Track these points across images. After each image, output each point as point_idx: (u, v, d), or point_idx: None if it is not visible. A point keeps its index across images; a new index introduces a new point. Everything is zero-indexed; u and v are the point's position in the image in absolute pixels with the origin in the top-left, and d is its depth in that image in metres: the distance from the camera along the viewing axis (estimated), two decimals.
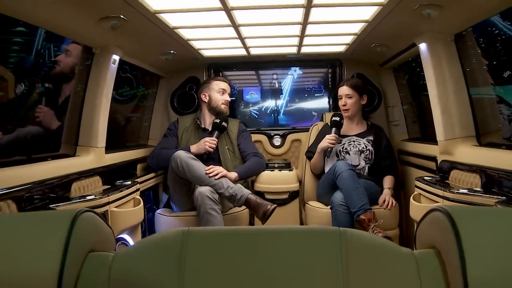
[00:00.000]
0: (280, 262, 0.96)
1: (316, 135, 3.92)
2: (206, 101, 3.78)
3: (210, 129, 3.71)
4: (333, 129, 3.62)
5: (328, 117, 3.98)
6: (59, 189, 2.45)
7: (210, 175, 3.25)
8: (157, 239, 1.02)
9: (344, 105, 3.72)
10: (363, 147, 3.64)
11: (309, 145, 3.92)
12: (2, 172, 2.10)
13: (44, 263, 0.87)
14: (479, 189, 2.38)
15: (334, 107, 4.38)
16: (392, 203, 3.38)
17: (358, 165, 3.60)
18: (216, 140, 3.59)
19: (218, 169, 3.30)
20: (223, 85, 3.79)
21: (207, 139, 3.54)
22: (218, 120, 3.66)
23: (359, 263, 0.95)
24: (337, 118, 3.63)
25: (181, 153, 3.28)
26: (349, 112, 3.72)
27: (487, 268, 0.84)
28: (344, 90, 3.73)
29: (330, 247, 0.97)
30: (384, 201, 3.37)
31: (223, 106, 3.75)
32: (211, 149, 3.51)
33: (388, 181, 3.58)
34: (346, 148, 3.66)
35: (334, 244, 0.97)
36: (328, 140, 3.55)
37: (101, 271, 0.95)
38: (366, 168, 3.62)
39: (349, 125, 3.73)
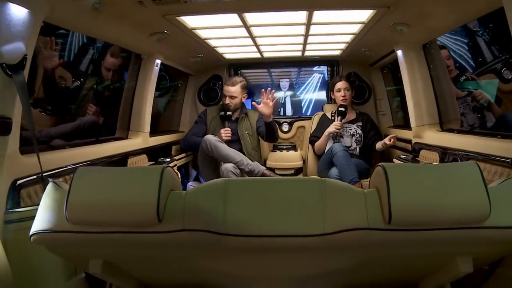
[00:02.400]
0: (284, 193, 1.49)
1: (317, 123, 4.41)
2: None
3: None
4: (339, 117, 4.07)
5: (327, 108, 4.49)
6: (120, 162, 3.02)
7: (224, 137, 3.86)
8: (211, 183, 1.54)
9: (343, 96, 4.12)
10: (353, 132, 4.14)
11: (312, 131, 4.42)
12: (84, 150, 2.68)
13: (148, 195, 1.38)
14: (437, 164, 2.89)
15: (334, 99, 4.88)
16: (391, 139, 3.77)
17: (350, 146, 4.08)
18: (229, 129, 3.99)
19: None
20: (225, 89, 4.17)
21: (221, 131, 3.96)
22: (223, 113, 4.12)
23: (332, 199, 1.47)
24: (343, 109, 4.07)
25: (210, 137, 3.80)
26: (347, 102, 4.12)
27: (403, 197, 1.34)
28: (343, 84, 4.15)
29: (315, 189, 1.48)
30: (390, 140, 3.77)
31: (227, 106, 4.15)
32: (228, 138, 3.94)
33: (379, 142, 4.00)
34: (340, 133, 4.14)
35: (317, 187, 1.48)
36: (335, 126, 4.01)
37: (179, 202, 1.46)
38: (357, 148, 4.12)
39: None
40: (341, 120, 4.06)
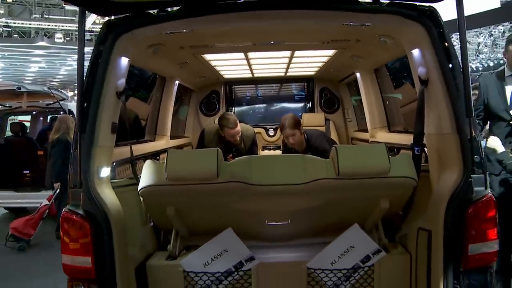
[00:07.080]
0: (285, 162, 2.71)
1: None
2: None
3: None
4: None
5: (305, 117, 5.80)
6: (156, 156, 4.18)
7: None
8: (244, 158, 2.73)
9: (292, 143, 3.96)
10: None
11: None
12: (138, 147, 3.81)
13: (211, 162, 2.47)
14: (364, 143, 4.12)
15: (310, 109, 6.20)
16: None
17: None
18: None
19: None
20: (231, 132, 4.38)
21: None
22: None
23: (308, 164, 2.63)
24: None
25: None
26: (296, 146, 4.01)
27: (345, 159, 2.50)
28: (287, 132, 3.94)
29: (300, 160, 2.68)
30: None
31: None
32: None
33: None
34: None
35: (301, 159, 2.69)
36: None
37: (226, 167, 2.57)
38: None
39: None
40: None
